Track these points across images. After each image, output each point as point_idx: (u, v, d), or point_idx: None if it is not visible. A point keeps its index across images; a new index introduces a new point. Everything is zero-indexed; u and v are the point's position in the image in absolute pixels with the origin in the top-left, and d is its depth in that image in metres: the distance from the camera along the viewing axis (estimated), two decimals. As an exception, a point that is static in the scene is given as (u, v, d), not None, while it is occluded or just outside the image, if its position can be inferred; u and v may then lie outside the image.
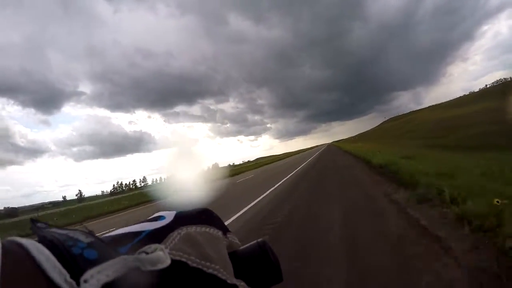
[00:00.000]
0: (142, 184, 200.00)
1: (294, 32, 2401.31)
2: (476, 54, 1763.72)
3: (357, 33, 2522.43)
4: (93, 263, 0.16)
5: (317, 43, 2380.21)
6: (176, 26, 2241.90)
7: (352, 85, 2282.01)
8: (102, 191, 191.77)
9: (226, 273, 0.22)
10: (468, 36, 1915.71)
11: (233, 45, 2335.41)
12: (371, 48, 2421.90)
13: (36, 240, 0.17)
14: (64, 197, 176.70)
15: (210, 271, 0.21)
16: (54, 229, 0.18)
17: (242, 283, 0.23)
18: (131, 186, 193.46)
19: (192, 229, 0.24)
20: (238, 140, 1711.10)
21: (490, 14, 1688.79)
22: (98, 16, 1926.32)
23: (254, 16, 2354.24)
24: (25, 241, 0.16)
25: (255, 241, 0.30)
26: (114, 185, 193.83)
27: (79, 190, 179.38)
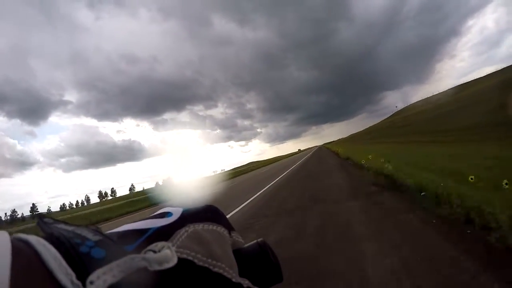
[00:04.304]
0: (129, 191, 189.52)
1: (280, 34, 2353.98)
2: (463, 50, 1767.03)
3: (344, 33, 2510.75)
4: (100, 262, 0.16)
5: (303, 44, 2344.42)
6: (159, 30, 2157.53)
7: (341, 86, 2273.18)
8: (85, 201, 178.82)
9: (231, 271, 0.22)
10: (454, 32, 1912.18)
11: (219, 48, 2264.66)
12: (358, 48, 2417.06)
13: (42, 237, 0.16)
14: (48, 209, 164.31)
15: (216, 269, 0.21)
16: (61, 225, 0.17)
17: (247, 282, 0.23)
18: (110, 195, 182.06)
19: (199, 226, 0.24)
20: (229, 146, 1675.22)
21: (475, 9, 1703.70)
22: (80, 24, 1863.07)
23: (239, 18, 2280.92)
24: (31, 239, 0.16)
25: (255, 241, 0.30)
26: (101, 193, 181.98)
27: (63, 203, 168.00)
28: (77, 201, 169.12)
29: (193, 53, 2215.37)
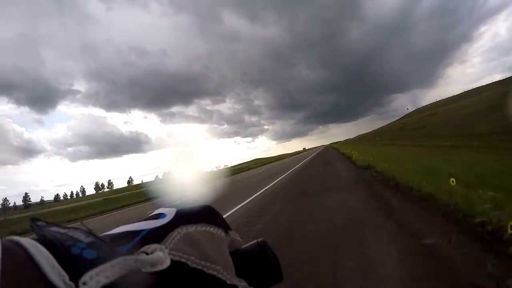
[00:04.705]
0: (128, 184, 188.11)
1: (290, 32, 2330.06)
2: (474, 56, 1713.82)
3: (354, 34, 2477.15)
4: (92, 264, 0.16)
5: (313, 43, 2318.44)
6: (169, 24, 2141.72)
7: (349, 86, 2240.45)
8: (80, 192, 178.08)
9: (226, 273, 0.22)
10: (466, 37, 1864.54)
11: (228, 44, 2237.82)
12: (368, 49, 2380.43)
13: (35, 239, 0.16)
14: (42, 199, 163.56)
15: (210, 271, 0.20)
16: (54, 228, 0.17)
17: (243, 283, 0.23)
18: (107, 187, 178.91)
19: (193, 228, 0.24)
20: (235, 142, 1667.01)
21: (488, 15, 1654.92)
22: (90, 14, 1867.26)
23: (249, 15, 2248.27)
24: (24, 241, 0.16)
25: (255, 241, 0.30)
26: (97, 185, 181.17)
27: (57, 194, 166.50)
28: (71, 192, 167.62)
29: (202, 48, 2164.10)
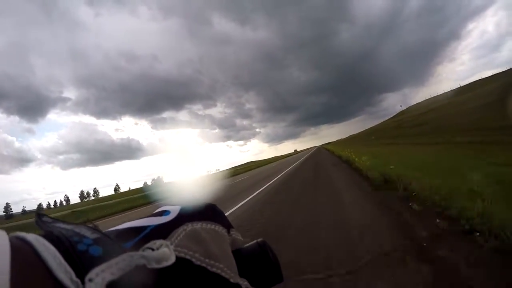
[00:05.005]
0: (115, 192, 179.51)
1: (281, 34, 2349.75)
2: (463, 54, 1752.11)
3: (344, 35, 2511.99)
4: (98, 260, 0.16)
5: (303, 44, 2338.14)
6: (159, 29, 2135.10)
7: (340, 87, 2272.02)
8: (64, 201, 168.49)
9: (230, 271, 0.22)
10: (454, 35, 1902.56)
11: (218, 47, 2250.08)
12: (358, 49, 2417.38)
13: (41, 235, 0.16)
14: (24, 209, 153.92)
15: (214, 269, 0.20)
16: (59, 224, 0.17)
17: (246, 283, 0.23)
18: (93, 195, 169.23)
19: (198, 225, 0.24)
20: (227, 146, 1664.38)
21: (475, 12, 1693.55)
22: (79, 21, 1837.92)
23: (239, 18, 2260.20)
24: (30, 237, 0.16)
25: (255, 241, 0.30)
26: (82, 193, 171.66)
27: (39, 203, 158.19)
28: (55, 202, 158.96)
29: (192, 52, 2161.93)
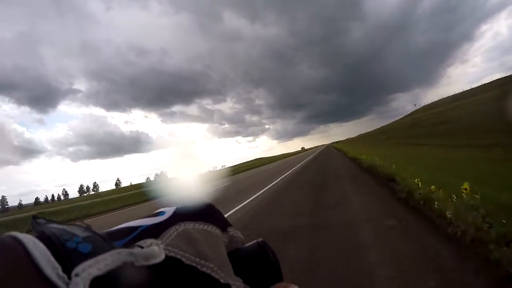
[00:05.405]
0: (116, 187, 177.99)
1: (291, 31, 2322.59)
2: (475, 56, 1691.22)
3: (355, 33, 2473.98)
4: (86, 256, 0.16)
5: (314, 42, 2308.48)
6: (170, 23, 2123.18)
7: (350, 86, 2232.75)
8: (62, 195, 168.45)
9: (221, 272, 0.22)
10: (467, 36, 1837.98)
11: (229, 43, 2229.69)
12: (369, 48, 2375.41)
13: (34, 235, 0.17)
14: (20, 202, 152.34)
15: (204, 269, 0.21)
16: (52, 225, 0.18)
17: (238, 282, 0.23)
18: (93, 189, 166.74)
19: (190, 225, 0.24)
20: (236, 141, 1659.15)
21: (489, 14, 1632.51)
22: (90, 14, 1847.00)
23: (249, 14, 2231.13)
24: (21, 236, 0.16)
25: (255, 241, 0.30)
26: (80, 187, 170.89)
27: (37, 197, 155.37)
28: (52, 196, 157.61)
29: (203, 47, 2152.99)
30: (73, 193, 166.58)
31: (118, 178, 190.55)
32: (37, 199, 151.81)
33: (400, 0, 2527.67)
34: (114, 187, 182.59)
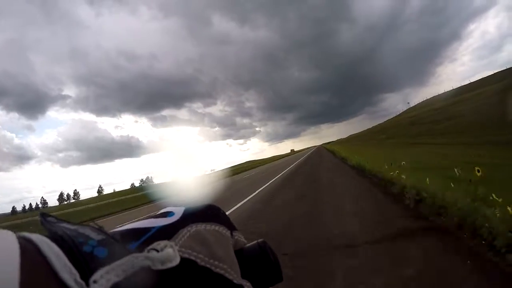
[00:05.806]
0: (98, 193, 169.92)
1: (281, 33, 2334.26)
2: (464, 54, 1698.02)
3: (345, 34, 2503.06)
4: (103, 262, 0.16)
5: (304, 44, 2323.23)
6: (159, 28, 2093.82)
7: (340, 86, 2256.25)
8: (40, 204, 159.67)
9: (233, 272, 0.22)
10: (455, 35, 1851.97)
11: (219, 47, 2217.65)
12: (359, 49, 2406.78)
13: (46, 236, 0.16)
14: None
15: (218, 270, 0.21)
16: (64, 224, 0.17)
17: (248, 284, 0.23)
18: (73, 197, 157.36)
19: (202, 226, 0.24)
20: (227, 144, 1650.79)
21: (477, 13, 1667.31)
22: (79, 20, 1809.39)
23: (239, 17, 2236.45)
24: (35, 237, 0.16)
25: (255, 241, 0.30)
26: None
27: (13, 206, 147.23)
28: (30, 204, 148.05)
29: (192, 51, 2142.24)
30: (53, 202, 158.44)
31: (100, 185, 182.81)
32: (13, 208, 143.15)
33: (389, 1, 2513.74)
34: (96, 194, 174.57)
